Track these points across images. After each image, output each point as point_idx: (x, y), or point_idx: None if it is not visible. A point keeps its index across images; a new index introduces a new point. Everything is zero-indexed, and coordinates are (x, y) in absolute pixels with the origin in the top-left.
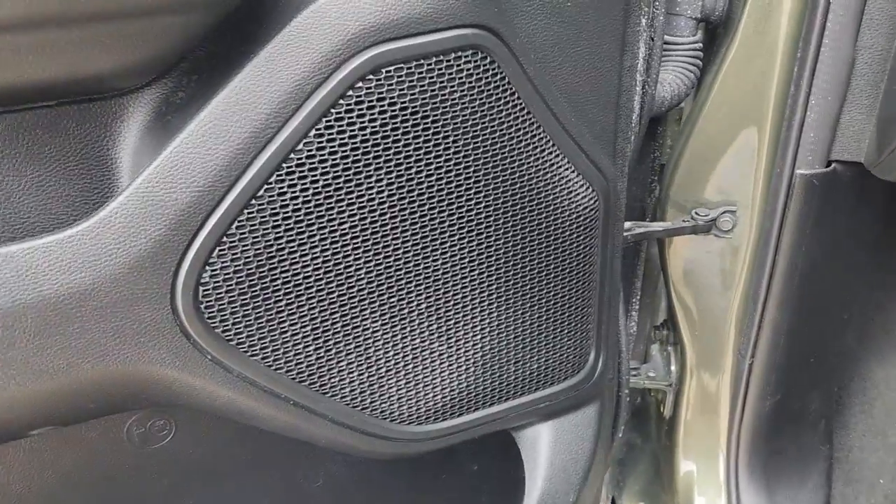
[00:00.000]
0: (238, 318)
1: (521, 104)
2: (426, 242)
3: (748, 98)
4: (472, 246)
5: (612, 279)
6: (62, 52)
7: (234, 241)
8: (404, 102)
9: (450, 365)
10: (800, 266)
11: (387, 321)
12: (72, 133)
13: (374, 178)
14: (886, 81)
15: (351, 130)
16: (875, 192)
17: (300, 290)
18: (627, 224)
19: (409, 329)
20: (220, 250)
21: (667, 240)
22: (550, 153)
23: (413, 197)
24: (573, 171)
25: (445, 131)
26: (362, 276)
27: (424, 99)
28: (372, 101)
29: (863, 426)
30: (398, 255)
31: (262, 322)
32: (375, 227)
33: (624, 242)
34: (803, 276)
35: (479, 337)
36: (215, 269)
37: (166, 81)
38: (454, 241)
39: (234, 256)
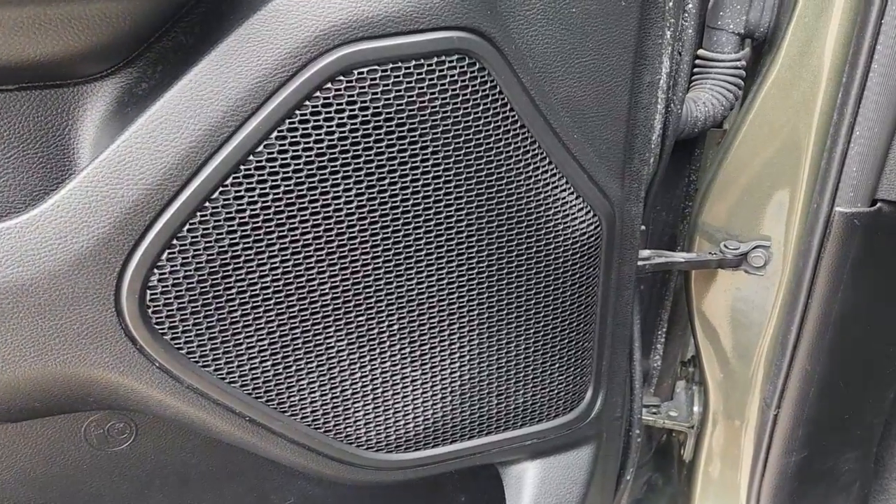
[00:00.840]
0: (188, 325)
1: (514, 116)
2: (400, 260)
3: (789, 124)
4: (453, 267)
5: (618, 311)
6: (14, 32)
7: (185, 245)
8: (378, 108)
9: (424, 392)
10: (836, 312)
11: (354, 340)
12: (32, 120)
13: (342, 188)
14: None
15: (317, 135)
16: None
17: (257, 301)
18: (647, 252)
19: (379, 351)
20: (171, 253)
21: (693, 272)
22: (546, 172)
23: (386, 210)
24: (572, 193)
25: (425, 142)
26: (327, 290)
27: (401, 105)
28: (342, 104)
29: None
30: (368, 271)
31: (214, 332)
32: (343, 241)
33: (642, 272)
34: (839, 324)
35: (458, 365)
36: (164, 273)
37: (131, 71)
38: (432, 260)
39: (185, 261)
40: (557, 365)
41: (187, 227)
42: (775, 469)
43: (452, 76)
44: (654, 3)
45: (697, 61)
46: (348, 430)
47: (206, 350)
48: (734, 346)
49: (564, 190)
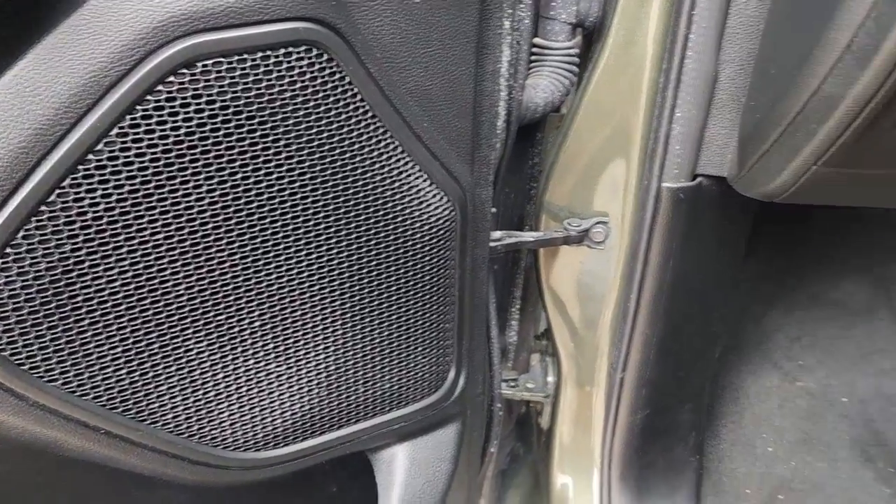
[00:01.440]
0: (29, 338)
1: (364, 107)
2: (257, 256)
3: (619, 108)
4: (312, 259)
5: (475, 292)
6: None
7: (20, 253)
8: (225, 101)
9: (290, 387)
10: (668, 280)
11: (214, 341)
12: None
13: (192, 185)
14: (746, 97)
15: (162, 130)
16: (740, 206)
17: (105, 308)
18: (498, 234)
19: (241, 349)
20: (4, 262)
21: (541, 250)
22: (400, 160)
23: (240, 206)
24: (426, 180)
25: (276, 135)
26: (182, 292)
27: (249, 98)
28: (187, 98)
29: (732, 437)
30: (222, 269)
31: (59, 343)
32: (196, 240)
33: (495, 253)
34: (672, 290)
35: (323, 357)
36: None
37: None
38: (290, 254)
39: (22, 270)
40: (421, 348)
41: (22, 233)
42: (624, 427)
43: (300, 67)
44: None
45: (535, 49)
46: (213, 432)
47: (51, 364)
48: (581, 317)
49: (418, 177)
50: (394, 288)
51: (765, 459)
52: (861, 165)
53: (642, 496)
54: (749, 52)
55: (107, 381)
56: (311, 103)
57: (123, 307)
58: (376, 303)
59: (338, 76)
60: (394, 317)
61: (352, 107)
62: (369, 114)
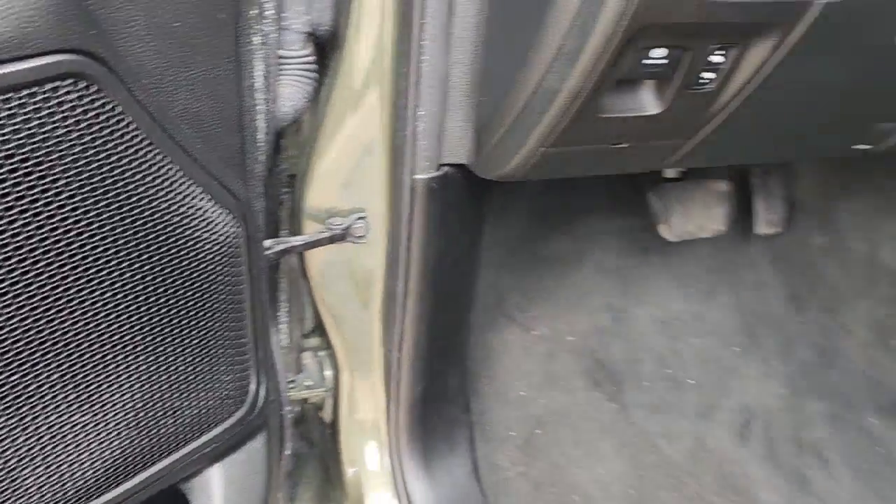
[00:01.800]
0: None
1: (139, 135)
2: (40, 304)
3: (364, 111)
4: (104, 300)
5: (261, 302)
6: None
7: None
8: None
9: (97, 436)
10: (431, 261)
11: (5, 410)
12: None
13: None
14: (477, 94)
15: None
16: (480, 188)
17: None
18: (268, 242)
19: (35, 412)
20: None
21: (306, 252)
22: (181, 184)
23: (22, 253)
24: (209, 200)
25: (54, 172)
26: None
27: (21, 138)
28: None
29: (489, 390)
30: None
31: None
32: None
33: (269, 261)
34: (434, 270)
35: (127, 396)
36: None
37: None
38: (81, 299)
39: None
40: (223, 366)
41: None
42: (406, 402)
43: (72, 101)
44: (243, 13)
45: (279, 60)
46: (20, 500)
47: None
48: (352, 309)
49: (202, 198)
50: (191, 313)
51: (519, 403)
52: (576, 144)
53: (428, 460)
54: (473, 55)
55: None
56: (87, 135)
57: None
58: (175, 331)
59: (109, 107)
60: (194, 341)
61: (127, 136)
62: (145, 141)
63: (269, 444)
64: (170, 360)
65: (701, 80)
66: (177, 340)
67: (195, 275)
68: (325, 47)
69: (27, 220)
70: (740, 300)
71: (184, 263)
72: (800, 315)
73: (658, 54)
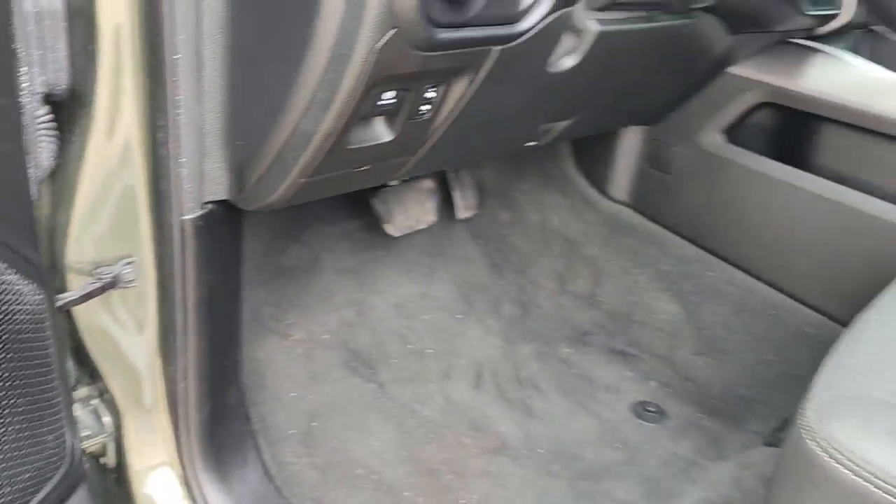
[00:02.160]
0: None
1: None
2: None
3: (121, 165)
4: None
5: (62, 358)
6: None
7: None
8: None
9: None
10: (205, 294)
11: None
12: None
13: None
14: (233, 138)
15: None
16: (239, 219)
17: None
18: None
19: None
20: None
21: None
22: None
23: None
24: (14, 273)
25: None
26: None
27: None
28: None
29: (260, 398)
30: None
31: None
32: None
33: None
34: (209, 302)
35: None
36: None
37: None
38: None
39: None
40: (45, 428)
41: None
42: (197, 426)
43: None
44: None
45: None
46: None
47: None
48: (129, 351)
49: (8, 273)
50: (14, 382)
51: (292, 403)
52: (329, 172)
53: (224, 477)
54: (224, 105)
55: None
56: None
57: None
58: (3, 402)
59: None
60: (19, 408)
61: None
62: None
63: (92, 495)
64: None
65: (420, 112)
66: (4, 411)
67: (12, 345)
68: (69, 105)
69: None
70: (455, 275)
71: (3, 337)
72: (501, 279)
73: (389, 96)
